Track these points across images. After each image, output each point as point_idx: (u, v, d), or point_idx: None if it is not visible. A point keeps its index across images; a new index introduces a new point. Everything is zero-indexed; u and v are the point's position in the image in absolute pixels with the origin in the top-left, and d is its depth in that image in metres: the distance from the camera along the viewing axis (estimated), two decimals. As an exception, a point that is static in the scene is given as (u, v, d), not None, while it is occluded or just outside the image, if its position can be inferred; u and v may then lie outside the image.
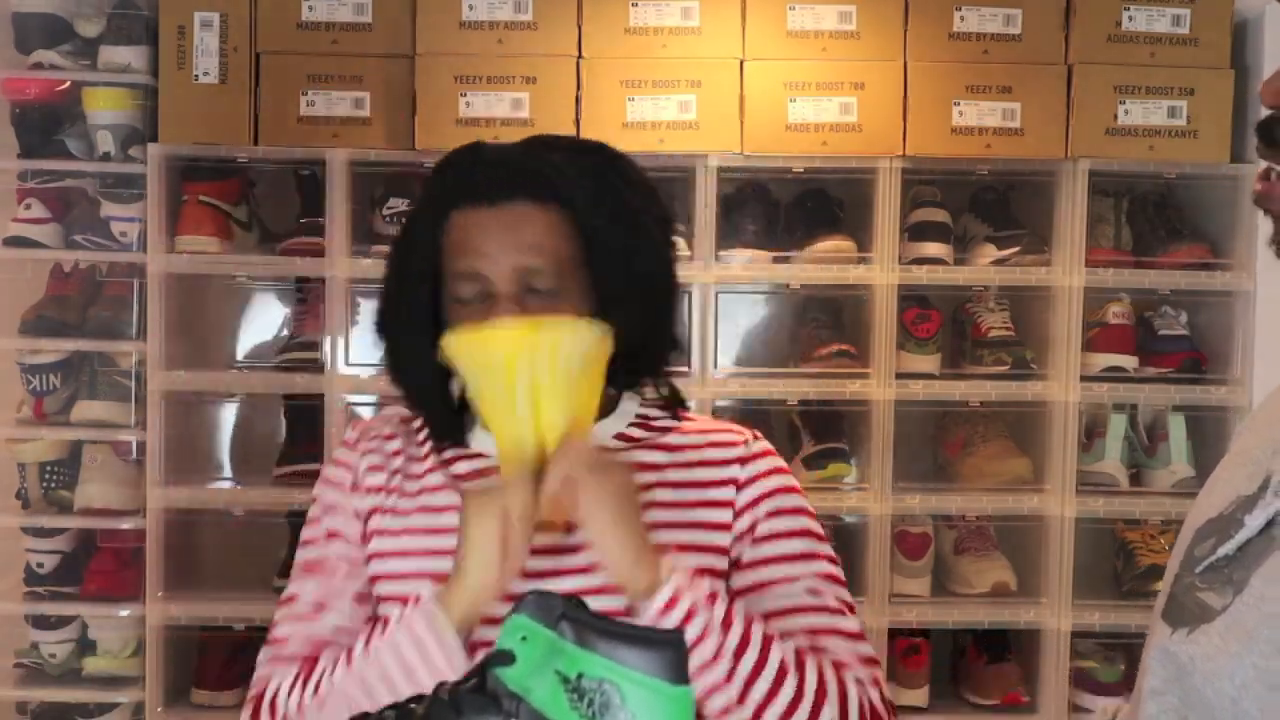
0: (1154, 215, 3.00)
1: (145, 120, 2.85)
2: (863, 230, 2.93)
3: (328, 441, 2.81)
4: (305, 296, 3.01)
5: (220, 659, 2.91)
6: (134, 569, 2.85)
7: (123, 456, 2.90)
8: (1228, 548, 0.96)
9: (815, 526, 1.44)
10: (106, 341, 2.86)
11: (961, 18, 2.87)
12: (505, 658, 0.98)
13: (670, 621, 1.22)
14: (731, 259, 2.88)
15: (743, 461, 1.43)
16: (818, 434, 2.95)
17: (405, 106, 2.84)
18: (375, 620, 1.36)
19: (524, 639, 0.99)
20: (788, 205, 3.04)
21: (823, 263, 2.87)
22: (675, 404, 1.49)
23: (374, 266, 2.76)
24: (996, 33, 2.87)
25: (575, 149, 1.43)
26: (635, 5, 2.84)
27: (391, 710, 1.03)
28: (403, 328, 1.41)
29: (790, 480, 1.45)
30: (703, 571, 1.34)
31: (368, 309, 2.88)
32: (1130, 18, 2.87)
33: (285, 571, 1.51)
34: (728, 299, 3.03)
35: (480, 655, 1.07)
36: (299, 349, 2.95)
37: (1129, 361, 2.93)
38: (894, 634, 2.88)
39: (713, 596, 1.26)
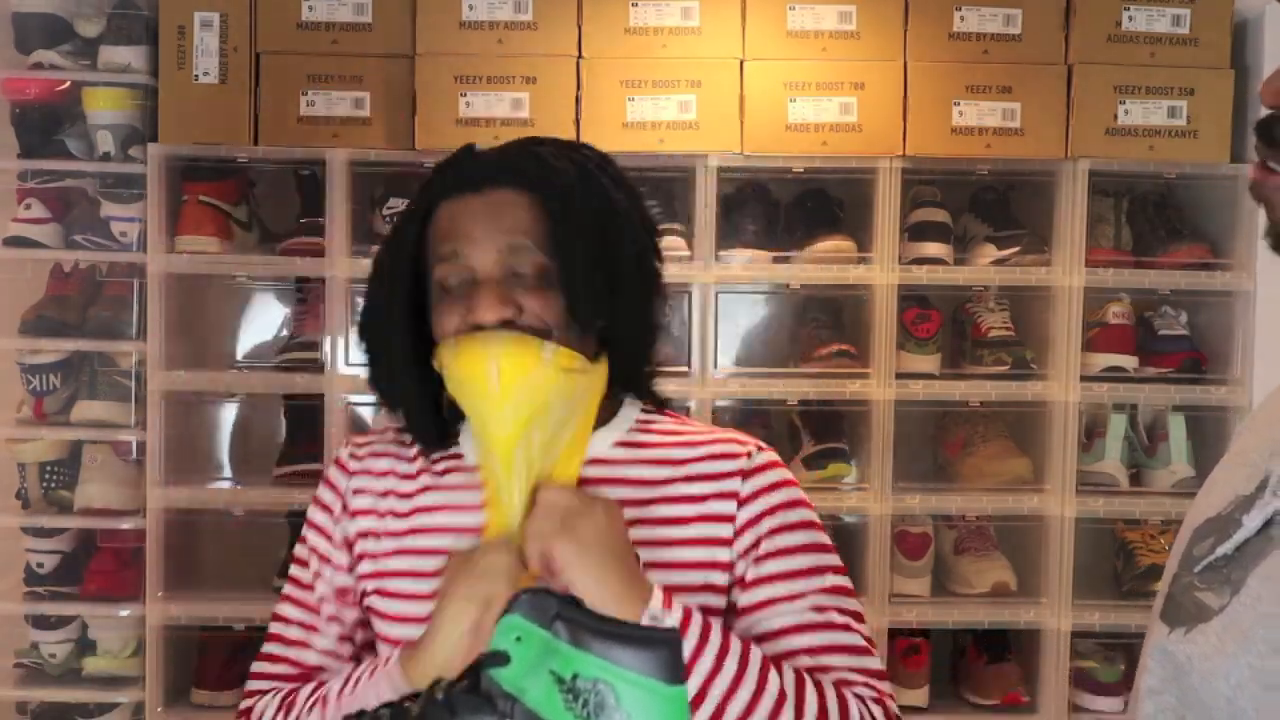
0: (1154, 215, 3.00)
1: (145, 120, 2.85)
2: (863, 230, 2.93)
3: (328, 441, 2.81)
4: (305, 296, 3.01)
5: (220, 659, 2.91)
6: (134, 569, 2.85)
7: (123, 456, 2.89)
8: (1226, 548, 0.96)
9: (821, 538, 1.40)
10: (106, 341, 2.86)
11: (961, 18, 2.86)
12: (500, 658, 0.98)
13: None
14: (731, 259, 2.88)
15: (744, 475, 1.39)
16: (818, 434, 2.95)
17: (405, 106, 2.84)
18: (357, 659, 1.41)
19: (519, 639, 0.99)
20: (788, 205, 3.04)
21: (823, 263, 2.87)
22: (659, 405, 1.48)
23: (374, 267, 2.76)
24: (996, 33, 2.87)
25: (563, 145, 1.44)
26: (635, 5, 2.84)
27: (387, 709, 1.04)
28: (387, 328, 1.39)
29: (795, 493, 1.41)
30: (701, 588, 1.34)
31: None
32: (1130, 18, 2.87)
33: (285, 571, 1.52)
34: (728, 299, 3.03)
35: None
36: (299, 349, 2.95)
37: (1129, 361, 2.93)
38: (894, 634, 2.88)
39: (706, 628, 1.24)
